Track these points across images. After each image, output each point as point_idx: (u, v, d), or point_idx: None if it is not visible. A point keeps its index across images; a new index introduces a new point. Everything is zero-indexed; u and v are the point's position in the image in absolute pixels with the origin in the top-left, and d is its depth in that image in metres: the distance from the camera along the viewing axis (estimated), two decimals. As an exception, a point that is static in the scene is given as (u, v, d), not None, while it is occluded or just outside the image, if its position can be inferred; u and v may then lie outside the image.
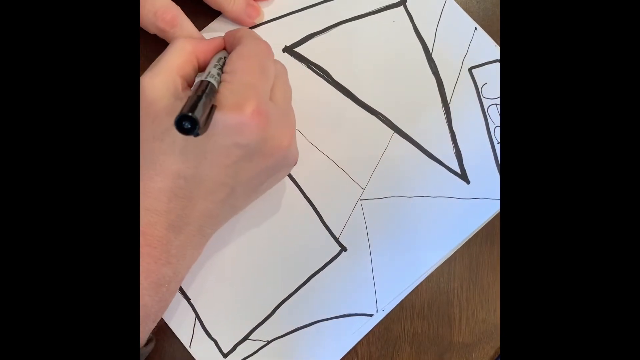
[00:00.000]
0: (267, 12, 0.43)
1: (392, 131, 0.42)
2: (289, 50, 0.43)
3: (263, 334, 0.39)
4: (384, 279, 0.40)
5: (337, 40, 0.43)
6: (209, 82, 0.31)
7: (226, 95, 0.31)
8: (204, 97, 0.29)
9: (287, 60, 0.42)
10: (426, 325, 0.40)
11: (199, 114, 0.28)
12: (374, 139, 0.42)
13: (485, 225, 0.41)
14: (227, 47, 0.37)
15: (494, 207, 0.41)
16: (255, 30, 0.42)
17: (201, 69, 0.36)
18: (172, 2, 0.39)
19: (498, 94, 0.43)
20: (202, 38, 0.39)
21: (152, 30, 0.39)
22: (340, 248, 0.40)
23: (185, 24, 0.39)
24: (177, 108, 0.32)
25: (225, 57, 0.36)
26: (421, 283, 0.40)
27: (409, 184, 0.41)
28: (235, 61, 0.33)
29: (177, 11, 0.39)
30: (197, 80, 0.31)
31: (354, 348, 0.39)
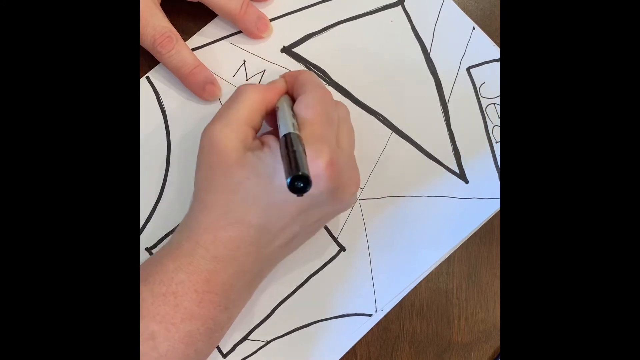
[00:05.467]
0: (266, 13, 0.42)
1: (391, 131, 0.42)
2: (287, 50, 0.43)
3: (262, 334, 0.39)
4: (383, 279, 0.40)
5: (335, 41, 0.43)
6: (297, 134, 0.31)
7: None
8: (302, 151, 0.29)
9: (286, 60, 0.42)
10: (425, 324, 0.40)
11: (307, 170, 0.28)
12: (372, 139, 0.42)
13: (484, 225, 0.41)
14: (288, 88, 0.37)
15: (493, 207, 0.41)
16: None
17: (267, 114, 0.36)
18: (171, 26, 0.39)
19: (496, 94, 0.43)
20: (199, 61, 0.40)
21: (149, 50, 0.39)
22: (339, 248, 0.40)
23: (182, 49, 0.39)
24: (249, 160, 0.33)
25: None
26: (420, 283, 0.40)
27: (407, 183, 0.41)
28: (303, 112, 0.34)
29: (175, 37, 0.39)
30: (282, 132, 0.32)
31: (353, 348, 0.39)
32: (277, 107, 0.36)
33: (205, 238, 0.33)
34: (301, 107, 0.34)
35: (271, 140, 0.34)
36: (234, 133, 0.34)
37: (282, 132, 0.32)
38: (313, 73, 0.38)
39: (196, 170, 0.35)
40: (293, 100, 0.36)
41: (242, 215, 0.32)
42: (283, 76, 0.38)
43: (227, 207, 0.33)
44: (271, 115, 0.37)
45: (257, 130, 0.36)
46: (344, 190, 0.33)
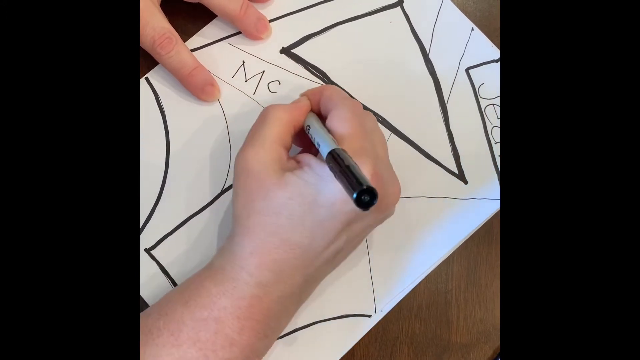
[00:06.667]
0: (265, 14, 0.43)
1: (390, 132, 0.42)
2: (287, 51, 0.43)
3: (261, 335, 0.39)
4: (382, 280, 0.40)
5: (334, 42, 0.43)
6: (342, 149, 0.31)
7: None
8: (356, 165, 0.29)
9: (285, 61, 0.42)
10: (424, 325, 0.40)
11: (370, 183, 0.28)
12: (371, 140, 0.42)
13: (483, 225, 0.41)
14: (312, 105, 0.37)
15: (492, 207, 0.41)
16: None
17: (295, 133, 0.36)
18: (171, 27, 0.39)
19: (495, 94, 0.43)
20: (198, 63, 0.40)
21: (148, 51, 0.39)
22: (338, 249, 0.40)
23: (181, 50, 0.39)
24: (290, 181, 0.32)
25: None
26: (419, 284, 0.40)
27: (406, 184, 0.41)
28: (338, 127, 0.33)
29: (175, 38, 0.39)
30: (324, 150, 0.31)
31: (353, 349, 0.39)
32: (308, 126, 0.35)
33: (250, 262, 0.32)
34: (335, 121, 0.34)
35: (309, 158, 0.33)
36: (269, 155, 0.33)
37: (324, 150, 0.31)
38: (337, 87, 0.37)
39: (234, 197, 0.34)
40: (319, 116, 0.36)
41: (288, 236, 0.32)
42: (305, 94, 0.38)
43: (272, 230, 0.32)
44: (299, 135, 0.36)
45: (288, 150, 0.35)
46: (388, 201, 0.33)
